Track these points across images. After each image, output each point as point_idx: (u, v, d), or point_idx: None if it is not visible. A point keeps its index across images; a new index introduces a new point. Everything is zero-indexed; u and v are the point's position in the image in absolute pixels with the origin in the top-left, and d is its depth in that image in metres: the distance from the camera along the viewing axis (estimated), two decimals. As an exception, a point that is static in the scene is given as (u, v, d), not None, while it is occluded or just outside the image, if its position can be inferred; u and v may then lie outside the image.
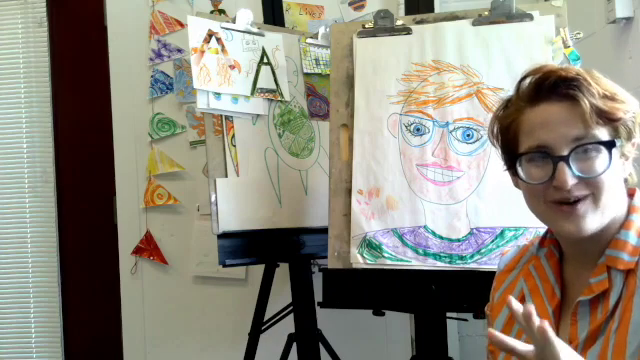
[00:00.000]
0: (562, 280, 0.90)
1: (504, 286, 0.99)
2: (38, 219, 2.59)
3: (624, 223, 0.84)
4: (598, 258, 0.84)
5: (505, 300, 0.95)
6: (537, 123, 0.84)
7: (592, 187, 0.81)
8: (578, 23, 1.67)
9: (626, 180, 0.87)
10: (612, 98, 0.83)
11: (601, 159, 0.81)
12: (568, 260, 0.91)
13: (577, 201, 0.81)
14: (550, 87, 0.84)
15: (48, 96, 2.59)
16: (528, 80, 0.87)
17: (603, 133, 0.82)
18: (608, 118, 0.82)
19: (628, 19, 1.76)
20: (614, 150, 0.81)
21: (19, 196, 2.59)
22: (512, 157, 0.88)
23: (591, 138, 0.81)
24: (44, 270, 2.58)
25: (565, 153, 0.81)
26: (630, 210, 0.85)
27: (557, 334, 0.84)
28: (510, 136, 0.89)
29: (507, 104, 0.91)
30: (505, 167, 0.93)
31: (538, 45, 1.51)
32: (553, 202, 0.83)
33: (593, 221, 0.82)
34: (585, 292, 0.83)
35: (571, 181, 0.80)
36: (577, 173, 0.81)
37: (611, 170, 0.81)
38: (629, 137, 0.84)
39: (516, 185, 0.93)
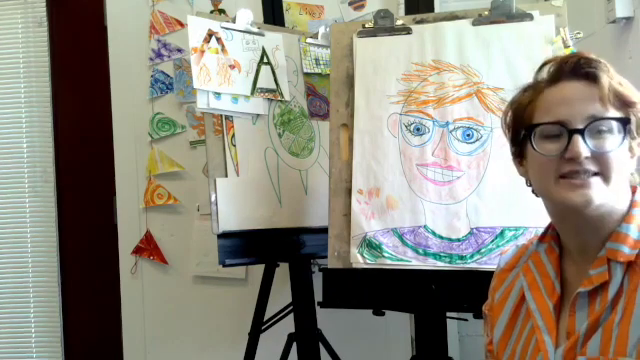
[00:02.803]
0: (562, 276, 0.90)
1: (504, 285, 0.99)
2: (38, 219, 2.59)
3: (625, 217, 0.86)
4: (598, 252, 0.85)
5: (505, 299, 0.97)
6: (556, 99, 0.87)
7: (602, 165, 0.83)
8: (578, 23, 1.67)
9: (629, 180, 0.88)
10: (627, 86, 0.86)
11: (614, 138, 0.84)
12: (568, 255, 0.91)
13: (586, 175, 0.83)
14: (572, 67, 0.87)
15: (48, 96, 2.59)
16: (549, 65, 0.90)
17: (618, 115, 0.85)
18: (624, 101, 0.85)
19: (628, 19, 1.76)
20: (627, 131, 0.84)
21: (19, 196, 2.59)
22: (527, 129, 0.88)
23: (606, 116, 0.84)
24: (44, 270, 2.58)
25: (581, 127, 0.83)
26: (632, 205, 0.87)
27: (557, 328, 0.86)
28: (526, 116, 0.90)
29: (525, 90, 0.94)
30: (512, 156, 0.95)
31: (538, 45, 1.51)
32: (563, 177, 0.84)
33: (600, 195, 0.83)
34: (585, 283, 0.84)
35: (585, 153, 0.82)
36: (591, 147, 0.83)
37: (621, 151, 0.84)
38: (638, 131, 0.86)
39: (522, 174, 0.94)
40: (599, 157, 0.83)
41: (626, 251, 0.83)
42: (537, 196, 0.93)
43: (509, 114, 0.95)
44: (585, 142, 0.82)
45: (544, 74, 0.91)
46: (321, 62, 1.98)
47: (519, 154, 0.93)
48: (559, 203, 0.87)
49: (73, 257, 2.59)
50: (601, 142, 0.83)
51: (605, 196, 0.83)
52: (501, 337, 0.95)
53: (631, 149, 0.86)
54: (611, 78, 0.85)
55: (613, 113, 0.84)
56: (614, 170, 0.83)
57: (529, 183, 0.94)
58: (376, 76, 1.58)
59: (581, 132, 0.83)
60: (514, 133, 0.93)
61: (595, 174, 0.83)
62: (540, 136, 0.87)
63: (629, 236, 0.84)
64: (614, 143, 0.83)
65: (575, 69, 0.86)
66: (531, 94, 0.91)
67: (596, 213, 0.84)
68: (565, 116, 0.84)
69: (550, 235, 0.94)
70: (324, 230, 1.58)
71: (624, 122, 0.84)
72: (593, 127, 0.83)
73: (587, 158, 0.83)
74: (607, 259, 0.84)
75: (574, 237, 0.89)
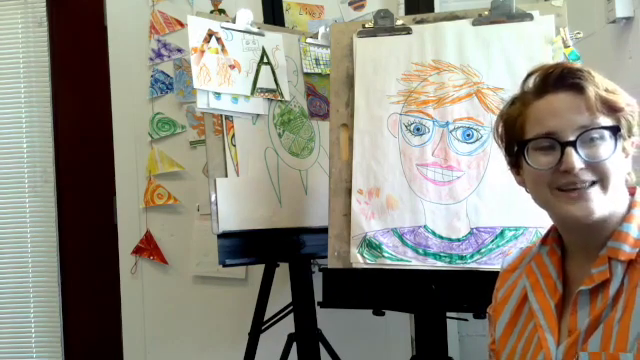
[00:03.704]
0: (564, 276, 0.91)
1: (507, 284, 1.00)
2: (38, 219, 2.59)
3: (626, 217, 0.86)
4: (599, 251, 0.86)
5: (507, 299, 0.97)
6: (544, 111, 0.87)
7: (598, 173, 0.84)
8: (578, 23, 1.67)
9: (626, 180, 0.89)
10: (613, 92, 0.86)
11: (606, 145, 0.84)
12: (570, 256, 0.92)
13: (584, 187, 0.84)
14: (556, 78, 0.87)
15: (48, 96, 2.59)
16: (534, 76, 0.91)
17: (607, 122, 0.85)
18: (611, 107, 0.85)
19: (628, 19, 1.76)
20: (618, 137, 0.84)
21: (19, 196, 2.59)
22: (519, 145, 0.89)
23: (596, 125, 0.84)
24: (44, 270, 2.58)
25: (572, 138, 0.84)
26: (632, 205, 0.88)
27: (559, 327, 0.87)
28: (517, 128, 0.91)
29: (513, 101, 0.94)
30: (508, 166, 0.96)
31: (538, 45, 1.51)
32: (560, 189, 0.85)
33: (600, 206, 0.84)
34: (586, 282, 0.85)
35: (578, 165, 0.83)
36: (585, 158, 0.83)
37: (616, 157, 0.84)
38: (629, 132, 0.87)
39: (520, 183, 0.95)
40: (594, 165, 0.84)
41: (627, 250, 0.83)
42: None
43: (500, 126, 0.95)
44: (578, 153, 0.83)
45: (530, 85, 0.92)
46: (321, 62, 1.98)
47: (515, 164, 0.94)
48: (559, 216, 0.88)
49: (73, 257, 2.59)
50: (594, 151, 0.84)
51: (605, 205, 0.84)
52: (502, 335, 0.96)
53: (624, 149, 0.87)
54: (597, 86, 0.85)
55: (603, 120, 0.84)
56: (611, 176, 0.84)
57: (527, 191, 0.94)
58: (376, 76, 1.58)
59: (573, 144, 0.83)
60: (507, 144, 0.94)
61: (592, 183, 0.84)
62: (533, 150, 0.87)
63: (630, 235, 0.84)
64: (607, 150, 0.84)
65: (560, 80, 0.87)
66: (519, 106, 0.92)
67: (597, 221, 0.85)
68: (555, 128, 0.85)
69: (552, 237, 0.95)
70: (324, 230, 1.58)
71: (614, 130, 0.84)
72: (584, 137, 0.84)
73: (582, 169, 0.83)
74: (608, 258, 0.84)
75: (576, 239, 0.90)
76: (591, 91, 0.84)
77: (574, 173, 0.83)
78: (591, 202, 0.83)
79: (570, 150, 0.83)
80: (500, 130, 0.95)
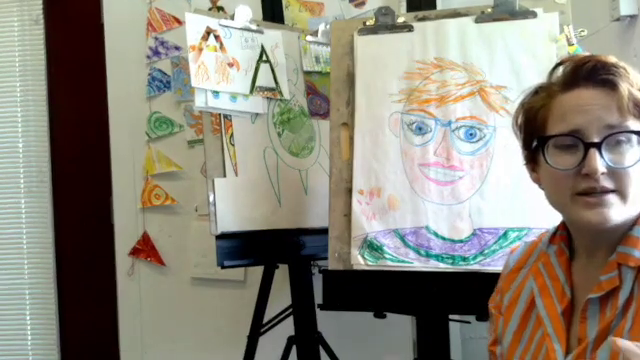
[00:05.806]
0: (571, 279, 0.88)
1: (513, 288, 0.96)
2: (34, 219, 2.56)
3: (638, 220, 0.82)
4: (609, 254, 0.83)
5: (515, 303, 0.94)
6: (571, 106, 0.82)
7: (619, 182, 0.80)
8: (582, 20, 1.65)
9: None
10: None
11: (633, 151, 0.80)
12: (577, 257, 0.89)
13: (603, 193, 0.80)
14: (588, 72, 0.82)
15: (44, 94, 2.57)
16: (563, 66, 0.86)
17: (637, 126, 0.80)
18: None
19: (632, 17, 1.75)
20: None
21: (14, 196, 2.56)
22: (539, 141, 0.85)
23: (625, 128, 0.79)
24: (40, 271, 2.56)
25: (597, 140, 0.79)
26: None
27: (567, 335, 0.84)
28: (538, 121, 0.87)
29: (537, 91, 0.90)
30: (524, 161, 0.92)
31: (542, 43, 1.49)
32: (579, 194, 0.81)
33: (618, 213, 0.80)
34: (595, 289, 0.82)
35: (601, 169, 0.79)
36: (608, 162, 0.79)
37: None
38: None
39: (535, 180, 0.91)
40: (617, 172, 0.79)
41: (637, 255, 0.80)
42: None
43: (520, 116, 0.91)
44: (602, 156, 0.79)
45: (558, 75, 0.87)
46: (321, 60, 1.97)
47: (531, 159, 0.90)
48: (574, 220, 0.84)
49: (69, 258, 2.57)
50: (619, 157, 0.79)
51: (622, 214, 0.80)
52: (510, 344, 0.93)
53: None
54: (631, 85, 0.80)
55: (632, 123, 0.80)
56: (632, 186, 0.80)
57: (541, 187, 0.91)
58: (377, 74, 1.56)
59: (598, 146, 0.79)
60: (526, 136, 0.90)
61: (612, 191, 0.80)
62: (554, 147, 0.83)
63: None
64: (633, 157, 0.79)
65: (591, 75, 0.82)
66: (544, 97, 0.87)
67: (612, 228, 0.81)
68: (580, 127, 0.80)
69: (560, 236, 0.91)
70: (324, 231, 1.56)
71: None
72: (611, 140, 0.79)
73: (604, 174, 0.79)
74: (617, 264, 0.81)
75: (587, 240, 0.87)
76: (624, 90, 0.79)
77: (595, 177, 0.79)
78: (609, 209, 0.79)
79: (594, 152, 0.79)
80: (520, 120, 0.91)
